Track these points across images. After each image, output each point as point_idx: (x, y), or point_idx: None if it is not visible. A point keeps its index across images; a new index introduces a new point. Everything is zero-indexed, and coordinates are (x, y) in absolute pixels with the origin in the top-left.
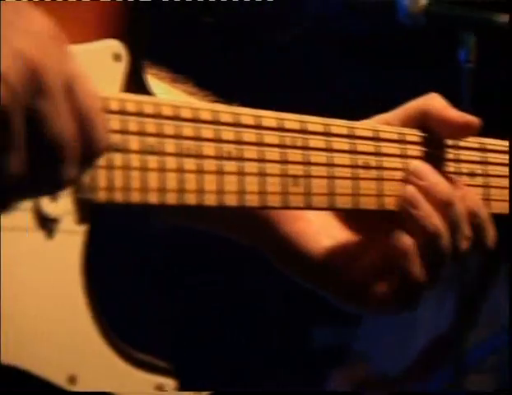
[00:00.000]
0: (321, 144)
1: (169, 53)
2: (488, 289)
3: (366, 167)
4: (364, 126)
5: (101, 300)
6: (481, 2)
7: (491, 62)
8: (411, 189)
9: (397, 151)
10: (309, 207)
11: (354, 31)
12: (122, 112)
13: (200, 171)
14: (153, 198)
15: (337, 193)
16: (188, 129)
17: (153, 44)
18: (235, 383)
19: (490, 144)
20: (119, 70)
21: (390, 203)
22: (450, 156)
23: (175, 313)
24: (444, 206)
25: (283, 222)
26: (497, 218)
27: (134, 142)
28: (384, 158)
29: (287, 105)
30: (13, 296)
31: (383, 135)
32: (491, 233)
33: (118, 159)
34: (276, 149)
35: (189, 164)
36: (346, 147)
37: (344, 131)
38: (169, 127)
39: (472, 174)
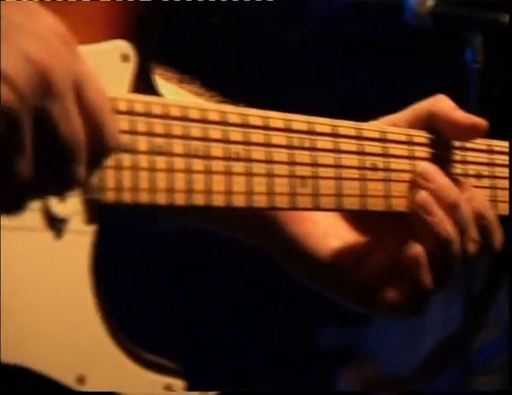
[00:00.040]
0: (329, 145)
1: (176, 54)
2: (496, 290)
3: (374, 168)
4: (371, 127)
5: (109, 300)
6: (484, 2)
7: (498, 62)
8: (423, 194)
9: (405, 153)
10: (316, 208)
11: (360, 32)
12: (130, 112)
13: (208, 172)
14: (161, 199)
15: (344, 194)
16: (196, 130)
17: (160, 44)
18: (240, 383)
19: (497, 146)
20: (127, 70)
21: (398, 204)
22: (457, 158)
23: (183, 313)
24: (451, 209)
25: (290, 223)
26: (503, 220)
27: (142, 143)
28: (392, 159)
29: (293, 106)
30: (22, 296)
31: (390, 136)
32: (498, 235)
33: (126, 159)
34: (284, 150)
35: (197, 164)
36: (353, 148)
37: (352, 132)
38: (177, 128)
39: (479, 176)
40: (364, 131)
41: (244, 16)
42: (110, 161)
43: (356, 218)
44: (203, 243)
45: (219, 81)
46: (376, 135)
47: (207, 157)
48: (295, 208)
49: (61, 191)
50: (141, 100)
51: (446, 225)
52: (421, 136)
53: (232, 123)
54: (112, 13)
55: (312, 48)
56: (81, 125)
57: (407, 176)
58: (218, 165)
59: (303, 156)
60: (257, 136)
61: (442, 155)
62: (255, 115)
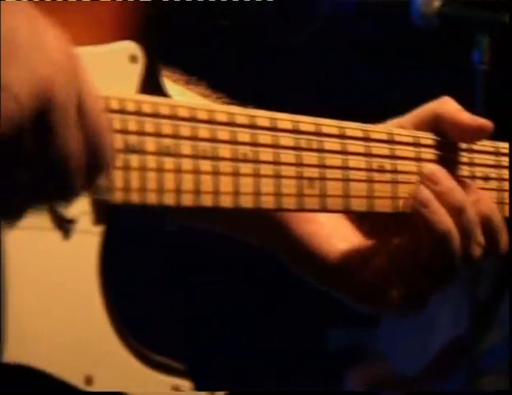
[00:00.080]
0: (336, 146)
1: (184, 55)
2: (504, 291)
3: (381, 170)
4: (378, 129)
5: (116, 301)
6: (489, 2)
7: (505, 63)
8: (423, 190)
9: (412, 155)
10: (324, 210)
11: (367, 32)
12: (138, 113)
13: (216, 173)
14: (169, 200)
15: (352, 196)
16: (204, 131)
17: (167, 45)
18: (246, 383)
19: (504, 147)
20: (136, 71)
21: (405, 206)
22: (464, 160)
23: (190, 313)
24: (457, 212)
25: (295, 224)
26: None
27: (151, 144)
28: (399, 161)
29: (300, 106)
30: (30, 296)
31: (397, 138)
32: (504, 237)
33: (134, 160)
34: (292, 151)
35: (205, 165)
36: (361, 150)
37: (359, 134)
38: (185, 129)
39: (486, 178)
40: (371, 132)
41: (251, 17)
42: (118, 162)
43: (360, 218)
44: (212, 243)
45: (226, 82)
46: (383, 137)
47: (215, 158)
48: (302, 209)
49: (58, 201)
50: (149, 101)
51: (444, 219)
52: (428, 138)
53: (240, 124)
54: (120, 14)
55: (318, 48)
56: (79, 139)
57: (414, 178)
58: (226, 166)
59: (310, 158)
60: (264, 137)
61: (449, 157)
62: (263, 116)
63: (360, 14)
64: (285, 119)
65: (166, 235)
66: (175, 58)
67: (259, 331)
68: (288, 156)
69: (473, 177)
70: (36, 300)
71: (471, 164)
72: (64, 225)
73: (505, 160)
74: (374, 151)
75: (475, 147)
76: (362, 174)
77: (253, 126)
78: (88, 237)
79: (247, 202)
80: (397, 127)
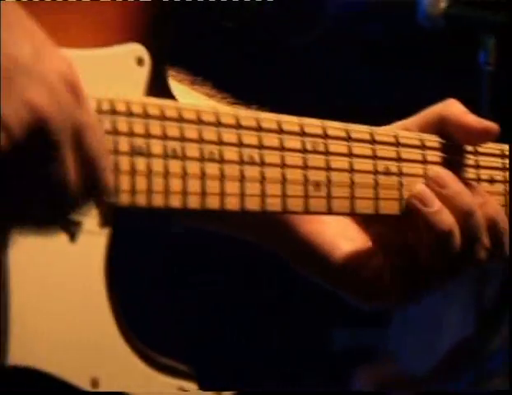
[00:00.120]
0: (343, 149)
1: (189, 56)
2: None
3: (387, 173)
4: (384, 131)
5: (123, 303)
6: (490, 3)
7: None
8: (423, 189)
9: (418, 157)
10: (330, 212)
11: (373, 33)
12: (145, 115)
13: (222, 175)
14: (176, 202)
15: (357, 198)
16: (210, 133)
17: (173, 46)
18: (249, 384)
19: (509, 150)
20: (142, 74)
21: (406, 205)
22: (470, 162)
23: (197, 315)
24: (465, 215)
25: (299, 224)
26: None
27: (157, 146)
28: (404, 163)
29: (305, 107)
30: (37, 298)
31: (403, 140)
32: (508, 240)
33: (140, 163)
34: (298, 154)
35: (212, 168)
36: (367, 152)
37: (365, 136)
38: (191, 131)
39: (491, 181)
40: (377, 135)
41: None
42: (125, 164)
43: (364, 218)
44: (219, 244)
45: (230, 82)
46: (389, 139)
47: (222, 161)
48: (308, 212)
49: (47, 223)
50: (155, 104)
51: (446, 218)
52: (434, 140)
53: (246, 126)
54: (126, 16)
55: (324, 48)
56: (76, 172)
57: (419, 180)
58: (232, 169)
59: (317, 160)
60: (271, 139)
61: (454, 160)
62: (269, 119)
63: (366, 15)
64: (291, 122)
65: (172, 237)
66: (180, 58)
67: (264, 331)
68: (294, 159)
69: (479, 179)
70: (42, 302)
71: (476, 166)
72: (71, 228)
73: None
74: (380, 153)
75: (480, 149)
76: (368, 177)
77: (259, 128)
78: (94, 239)
79: (253, 204)
80: (403, 129)
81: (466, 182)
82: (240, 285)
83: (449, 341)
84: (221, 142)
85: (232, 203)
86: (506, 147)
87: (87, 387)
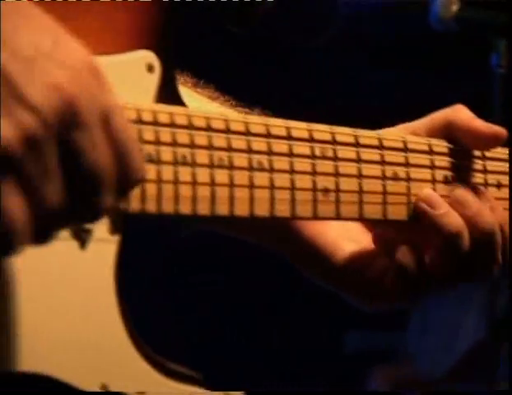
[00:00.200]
0: (351, 155)
1: (192, 58)
2: None
3: (395, 178)
4: (393, 137)
5: (133, 309)
6: (496, 5)
7: None
8: (428, 191)
9: (426, 162)
10: (338, 218)
11: (384, 35)
12: (155, 123)
13: (231, 182)
14: (186, 209)
15: (366, 203)
16: (219, 140)
17: (180, 52)
18: (262, 385)
19: None
20: (153, 81)
21: (413, 209)
22: (478, 167)
23: (208, 323)
24: (487, 235)
25: (302, 225)
26: None
27: (167, 153)
28: (413, 169)
29: (313, 111)
30: (47, 305)
31: (411, 146)
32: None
33: (151, 169)
34: (307, 160)
35: (221, 174)
36: (375, 158)
37: (374, 142)
38: (201, 138)
39: (499, 185)
40: (385, 140)
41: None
42: None
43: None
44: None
45: (235, 85)
46: (397, 144)
47: (231, 167)
48: (316, 218)
49: (89, 219)
50: (165, 111)
51: (454, 220)
52: (441, 145)
53: (255, 132)
54: (136, 23)
55: (334, 50)
56: (108, 155)
57: (427, 185)
58: (242, 175)
59: (325, 166)
60: (280, 145)
61: (462, 165)
62: (278, 125)
63: (377, 17)
64: (300, 128)
65: (180, 243)
66: (184, 61)
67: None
68: (303, 165)
69: (486, 184)
70: (52, 309)
71: (484, 171)
72: (81, 235)
73: None
74: (389, 158)
75: (488, 154)
76: (377, 182)
77: (268, 135)
78: (105, 246)
79: (262, 210)
80: (411, 131)
81: (474, 186)
82: (253, 286)
83: (466, 343)
84: (230, 149)
85: (241, 209)
86: None
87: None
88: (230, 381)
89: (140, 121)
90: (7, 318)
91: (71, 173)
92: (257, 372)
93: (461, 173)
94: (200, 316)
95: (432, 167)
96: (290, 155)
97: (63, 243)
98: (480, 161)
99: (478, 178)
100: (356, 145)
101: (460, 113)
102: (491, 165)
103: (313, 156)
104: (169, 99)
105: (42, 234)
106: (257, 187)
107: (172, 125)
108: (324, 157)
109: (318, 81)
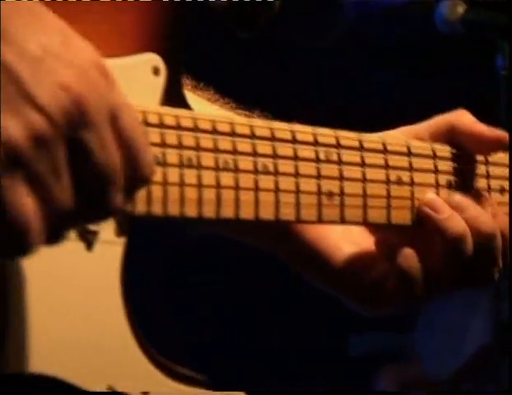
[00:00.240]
0: (356, 159)
1: (193, 60)
2: None
3: (399, 182)
4: (396, 141)
5: (139, 312)
6: (502, 7)
7: None
8: (431, 195)
9: (430, 167)
10: (343, 222)
11: (390, 37)
12: (161, 125)
13: (237, 185)
14: (191, 211)
15: (370, 208)
16: (224, 143)
17: (185, 55)
18: (264, 386)
19: None
20: (159, 84)
21: (416, 213)
22: (481, 172)
23: (213, 325)
24: (487, 239)
25: (304, 228)
26: None
27: (173, 155)
28: (416, 173)
29: (317, 114)
30: (54, 306)
31: (414, 150)
32: None
33: (157, 172)
34: (312, 163)
35: (227, 177)
36: (379, 162)
37: (378, 146)
38: (206, 141)
39: (502, 190)
40: (389, 144)
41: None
42: None
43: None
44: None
45: (235, 87)
46: (401, 149)
47: (236, 170)
48: (321, 222)
49: (99, 218)
50: (171, 113)
51: (458, 224)
52: (445, 150)
53: (260, 136)
54: (142, 26)
55: (339, 54)
56: (117, 154)
57: (431, 190)
58: (247, 178)
59: (330, 170)
60: (285, 149)
61: (466, 169)
62: (283, 129)
63: (383, 18)
64: (305, 131)
65: (188, 246)
66: (186, 64)
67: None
68: (308, 168)
69: (489, 189)
70: (59, 311)
71: (487, 176)
72: (87, 236)
73: None
74: (392, 162)
75: (491, 159)
76: (381, 187)
77: (273, 138)
78: (111, 248)
79: (267, 214)
80: (413, 134)
81: (477, 192)
82: (257, 293)
83: (473, 346)
84: (235, 152)
85: (247, 212)
86: None
87: None
88: (233, 381)
89: (146, 123)
90: (14, 319)
91: (80, 172)
92: (261, 375)
93: (464, 178)
94: (206, 317)
95: (436, 172)
96: (295, 158)
97: (70, 244)
98: (483, 166)
99: (481, 183)
100: (361, 149)
101: (463, 118)
102: (494, 171)
103: (317, 160)
104: (175, 101)
105: (54, 234)
106: (262, 190)
107: (178, 127)
108: (329, 161)
109: (324, 82)
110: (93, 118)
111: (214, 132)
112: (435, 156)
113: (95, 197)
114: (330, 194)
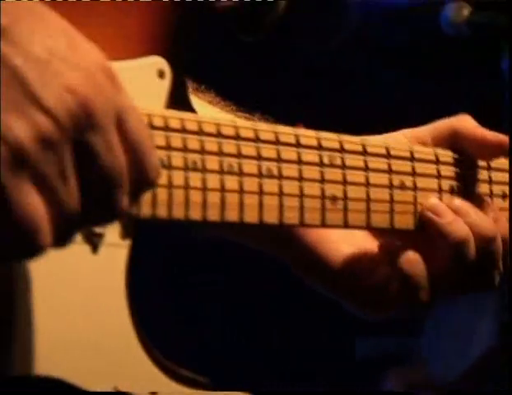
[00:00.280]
0: (359, 163)
1: (195, 63)
2: None
3: (402, 187)
4: (400, 146)
5: (143, 314)
6: (496, 7)
7: None
8: (434, 200)
9: (432, 172)
10: (346, 226)
11: (395, 39)
12: (166, 128)
13: (241, 188)
14: (196, 214)
15: (373, 212)
16: (229, 146)
17: (189, 58)
18: (271, 388)
19: None
20: (164, 86)
21: (418, 217)
22: (483, 177)
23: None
24: (487, 242)
25: (304, 231)
26: None
27: (178, 159)
28: (419, 178)
29: (321, 117)
30: (59, 308)
31: (417, 155)
32: None
33: (162, 175)
34: (316, 167)
35: (231, 181)
36: (383, 167)
37: (382, 150)
38: (211, 144)
39: (504, 196)
40: (392, 149)
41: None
42: None
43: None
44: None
45: (236, 89)
46: (404, 154)
47: (241, 173)
48: (324, 226)
49: (104, 221)
50: (176, 116)
51: (458, 226)
52: (447, 155)
53: (265, 139)
54: (147, 29)
55: (345, 57)
56: (123, 157)
57: (434, 195)
58: (251, 182)
59: (334, 174)
60: (289, 153)
61: (468, 174)
62: (287, 133)
63: (389, 20)
64: (309, 136)
65: (194, 249)
66: (189, 67)
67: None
68: (312, 172)
69: (492, 194)
70: (64, 313)
71: (489, 181)
72: (93, 239)
73: None
74: (395, 167)
75: (493, 164)
76: (384, 191)
77: (277, 142)
78: (116, 250)
79: (271, 217)
80: (415, 137)
81: (479, 197)
82: (264, 289)
83: (479, 348)
84: (240, 155)
85: (251, 216)
86: None
87: None
88: (237, 383)
89: (151, 126)
90: (20, 321)
91: (86, 175)
92: (266, 377)
93: (467, 183)
94: (212, 319)
95: (438, 177)
96: (299, 162)
97: (75, 247)
98: (485, 172)
99: (484, 188)
100: (364, 153)
101: (465, 123)
102: (496, 176)
103: (321, 164)
104: (180, 105)
105: (61, 237)
106: (266, 193)
107: (183, 131)
108: (332, 165)
109: (331, 83)
110: (99, 120)
111: (219, 135)
112: (437, 161)
113: (101, 199)
114: (334, 198)
